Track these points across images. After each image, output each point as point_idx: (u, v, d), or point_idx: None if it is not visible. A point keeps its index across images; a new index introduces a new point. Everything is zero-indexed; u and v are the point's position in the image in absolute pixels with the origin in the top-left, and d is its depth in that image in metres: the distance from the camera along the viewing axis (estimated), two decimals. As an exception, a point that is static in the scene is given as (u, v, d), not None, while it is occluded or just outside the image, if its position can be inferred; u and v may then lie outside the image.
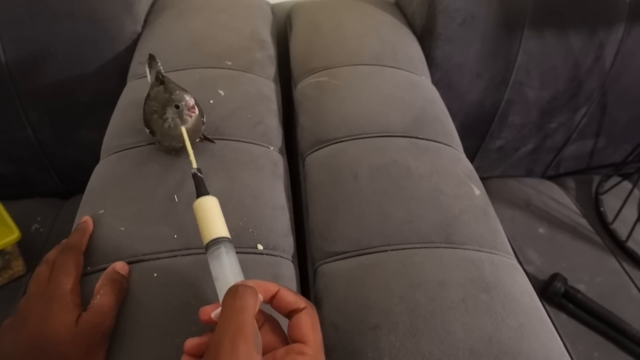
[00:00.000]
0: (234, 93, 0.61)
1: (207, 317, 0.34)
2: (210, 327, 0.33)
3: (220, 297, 0.34)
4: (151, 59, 0.56)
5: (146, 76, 0.58)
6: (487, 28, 0.78)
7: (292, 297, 0.36)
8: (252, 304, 0.31)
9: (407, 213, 0.50)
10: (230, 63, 0.66)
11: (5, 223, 0.69)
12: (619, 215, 0.88)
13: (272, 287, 0.36)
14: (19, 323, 0.37)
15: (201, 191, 0.41)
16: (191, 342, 0.34)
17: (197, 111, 0.48)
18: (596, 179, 0.99)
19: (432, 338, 0.39)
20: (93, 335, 0.37)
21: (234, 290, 0.32)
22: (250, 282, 0.34)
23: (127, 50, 0.73)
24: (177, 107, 0.47)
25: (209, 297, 0.41)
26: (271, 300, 0.36)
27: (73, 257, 0.42)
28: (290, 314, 0.36)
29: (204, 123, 0.52)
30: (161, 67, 0.54)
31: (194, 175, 0.42)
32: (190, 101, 0.47)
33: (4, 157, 0.81)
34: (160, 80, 0.52)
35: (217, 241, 0.37)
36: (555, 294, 0.75)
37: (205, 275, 0.43)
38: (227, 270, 0.36)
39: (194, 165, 0.43)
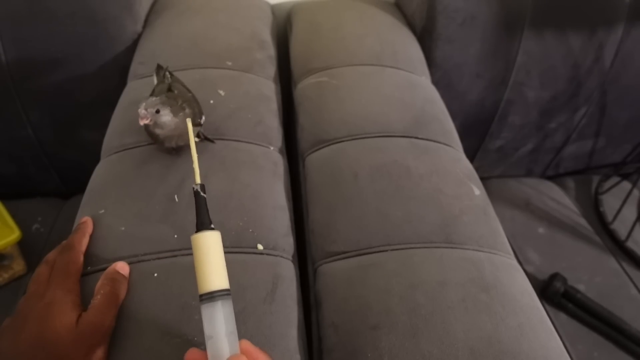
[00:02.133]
0: (234, 93, 0.62)
1: None
2: None
3: (210, 356, 0.32)
4: (159, 69, 0.56)
5: (146, 77, 0.58)
6: (487, 28, 0.78)
7: None
8: None
9: (407, 213, 0.50)
10: (230, 63, 0.66)
11: (6, 223, 0.69)
12: (618, 215, 0.88)
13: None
14: (19, 323, 0.37)
15: (203, 221, 0.35)
16: (193, 354, 0.33)
17: (147, 120, 0.46)
18: (596, 179, 0.99)
19: (432, 338, 0.39)
20: (93, 335, 0.37)
21: None
22: (247, 347, 0.33)
23: (127, 51, 0.73)
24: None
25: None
26: None
27: (73, 257, 0.42)
28: None
29: (201, 124, 0.52)
30: (168, 74, 0.54)
31: (197, 195, 0.36)
32: (142, 112, 0.46)
33: (4, 157, 0.81)
34: (164, 75, 0.52)
35: (213, 295, 0.33)
36: (554, 293, 0.75)
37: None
38: (221, 332, 0.32)
39: (198, 179, 0.37)
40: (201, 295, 0.33)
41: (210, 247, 0.34)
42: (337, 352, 0.42)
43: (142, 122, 0.46)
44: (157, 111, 0.46)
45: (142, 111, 0.46)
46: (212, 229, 0.35)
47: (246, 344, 0.33)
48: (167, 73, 0.54)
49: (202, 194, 0.36)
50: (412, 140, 0.58)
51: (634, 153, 0.98)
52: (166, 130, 0.48)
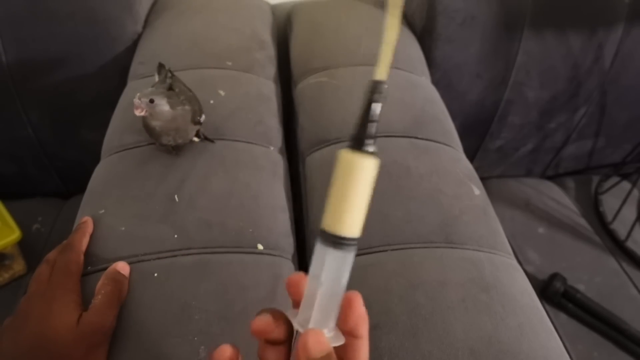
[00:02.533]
0: (234, 93, 0.62)
1: (297, 291, 0.27)
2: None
3: (320, 299, 0.26)
4: (160, 67, 0.56)
5: (147, 77, 0.58)
6: (486, 28, 0.78)
7: (365, 356, 0.28)
8: None
9: (407, 213, 0.50)
10: (230, 63, 0.66)
11: (6, 223, 0.69)
12: (618, 215, 0.88)
13: (362, 331, 0.27)
14: (20, 323, 0.37)
15: (361, 139, 0.24)
16: (296, 276, 0.27)
17: (142, 111, 0.46)
18: (595, 179, 0.99)
19: (432, 338, 0.39)
20: (94, 335, 0.37)
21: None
22: (357, 302, 0.27)
23: (127, 51, 0.73)
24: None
25: (209, 298, 0.41)
26: (349, 338, 0.27)
27: (73, 257, 0.42)
28: None
29: (201, 123, 0.52)
30: (170, 73, 0.54)
31: (372, 91, 0.25)
32: (137, 101, 0.46)
33: (4, 157, 0.81)
34: (165, 74, 0.52)
35: (346, 241, 0.26)
36: (554, 293, 0.75)
37: (206, 275, 0.43)
38: (336, 283, 0.26)
39: (384, 75, 0.26)
40: (331, 236, 0.25)
41: (366, 178, 0.25)
42: (337, 352, 0.42)
43: (136, 112, 0.46)
44: (151, 101, 0.46)
45: (136, 100, 0.45)
46: (373, 153, 0.25)
47: (358, 299, 0.27)
48: (169, 73, 0.54)
49: (378, 94, 0.25)
50: (412, 140, 0.58)
51: (633, 153, 0.98)
52: (162, 121, 0.47)
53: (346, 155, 0.25)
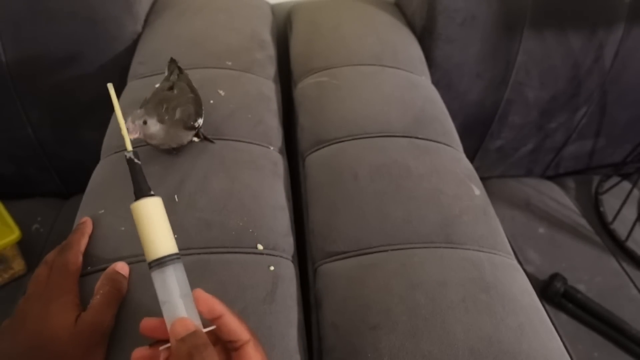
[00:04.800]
0: (234, 93, 0.62)
1: (149, 333, 0.34)
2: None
3: (168, 321, 0.32)
4: (171, 63, 0.55)
5: (147, 76, 0.58)
6: (487, 28, 0.78)
7: (235, 326, 0.33)
8: (202, 345, 0.30)
9: (407, 213, 0.50)
10: (230, 63, 0.66)
11: (6, 223, 0.69)
12: (618, 215, 0.88)
13: (218, 309, 0.33)
14: (17, 324, 0.37)
15: (141, 187, 0.34)
16: (148, 323, 0.33)
17: (136, 134, 0.46)
18: (596, 179, 0.99)
19: (432, 338, 0.39)
20: (92, 335, 0.37)
21: (185, 339, 0.30)
22: (199, 294, 0.33)
23: (127, 51, 0.73)
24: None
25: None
26: (214, 322, 0.33)
27: (71, 258, 0.42)
28: (231, 344, 0.33)
29: (195, 127, 0.51)
30: (178, 70, 0.54)
31: (130, 162, 0.35)
32: (130, 125, 0.46)
33: (4, 157, 0.81)
34: (174, 69, 0.53)
35: (163, 260, 0.33)
36: (555, 293, 0.75)
37: (206, 275, 0.43)
38: (175, 296, 0.33)
39: (129, 147, 0.36)
40: (150, 263, 0.33)
41: (152, 213, 0.34)
42: (337, 352, 0.42)
43: (131, 137, 0.45)
44: (145, 122, 0.46)
45: (129, 125, 0.46)
46: (152, 195, 0.34)
47: (200, 292, 0.33)
48: (177, 70, 0.53)
49: (136, 160, 0.35)
50: (412, 140, 0.58)
51: (634, 153, 0.97)
52: (157, 139, 0.48)
53: (133, 206, 0.34)
